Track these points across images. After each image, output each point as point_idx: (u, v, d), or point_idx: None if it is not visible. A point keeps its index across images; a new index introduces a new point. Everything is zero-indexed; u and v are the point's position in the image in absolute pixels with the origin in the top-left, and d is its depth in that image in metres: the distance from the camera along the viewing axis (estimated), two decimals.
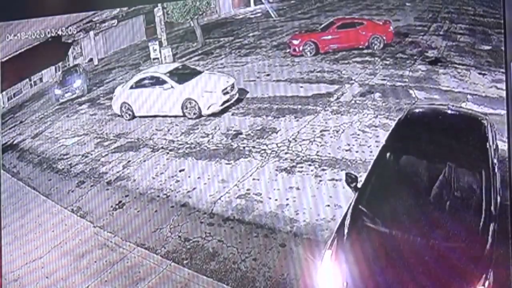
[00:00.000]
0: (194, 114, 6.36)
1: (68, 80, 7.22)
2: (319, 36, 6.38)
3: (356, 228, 3.97)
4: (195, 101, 6.35)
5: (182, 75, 6.57)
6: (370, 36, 6.10)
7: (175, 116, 6.48)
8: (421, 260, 3.70)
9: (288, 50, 6.51)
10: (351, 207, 4.15)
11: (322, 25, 6.41)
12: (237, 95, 6.35)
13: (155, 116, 6.63)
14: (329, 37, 6.33)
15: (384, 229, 3.91)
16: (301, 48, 6.39)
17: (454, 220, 3.85)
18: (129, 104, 6.74)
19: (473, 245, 3.67)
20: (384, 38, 6.05)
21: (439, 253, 3.70)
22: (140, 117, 6.72)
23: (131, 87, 6.74)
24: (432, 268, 3.66)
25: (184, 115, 6.42)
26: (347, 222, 4.05)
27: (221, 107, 6.30)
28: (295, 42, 6.42)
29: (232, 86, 6.33)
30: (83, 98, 7.22)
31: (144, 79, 6.68)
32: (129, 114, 6.75)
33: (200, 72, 6.60)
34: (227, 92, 6.30)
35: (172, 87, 6.47)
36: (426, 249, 3.74)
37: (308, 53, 6.41)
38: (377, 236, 3.89)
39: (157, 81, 6.57)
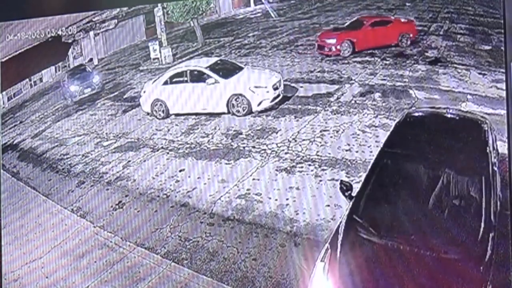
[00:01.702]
0: (243, 110, 6.08)
1: (83, 77, 7.11)
2: (355, 34, 6.25)
3: (351, 239, 3.89)
4: (245, 97, 6.09)
5: (225, 70, 6.33)
6: (399, 34, 6.06)
7: (219, 114, 6.25)
8: (418, 272, 3.63)
9: (318, 51, 6.36)
10: (345, 217, 4.08)
11: (347, 24, 6.30)
12: (283, 92, 6.12)
13: (194, 114, 6.41)
14: (365, 35, 6.22)
15: (380, 240, 3.83)
16: (338, 47, 6.25)
17: (452, 230, 3.80)
18: (163, 101, 6.48)
19: (471, 256, 3.60)
20: (411, 35, 6.02)
21: (437, 265, 3.64)
22: (176, 115, 6.50)
23: (165, 83, 6.48)
24: (430, 280, 3.61)
25: (229, 112, 6.16)
26: (341, 233, 3.97)
27: (272, 103, 6.08)
28: (331, 41, 6.26)
29: (280, 82, 6.11)
30: (84, 99, 7.16)
31: (180, 74, 6.40)
32: (163, 112, 6.51)
33: (241, 67, 6.35)
34: (277, 88, 6.07)
35: (216, 81, 6.20)
36: (423, 261, 3.67)
37: (346, 52, 6.26)
38: (373, 248, 3.81)
39: (197, 76, 6.30)
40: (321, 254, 4.03)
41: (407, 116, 4.68)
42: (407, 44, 6.00)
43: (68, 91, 7.11)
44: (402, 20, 6.07)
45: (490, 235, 3.66)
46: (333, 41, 6.27)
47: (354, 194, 4.24)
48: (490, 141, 4.18)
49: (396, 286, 3.65)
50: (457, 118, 4.61)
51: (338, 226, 4.09)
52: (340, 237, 3.94)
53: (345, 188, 4.32)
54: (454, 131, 4.31)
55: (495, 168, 4.02)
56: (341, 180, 4.60)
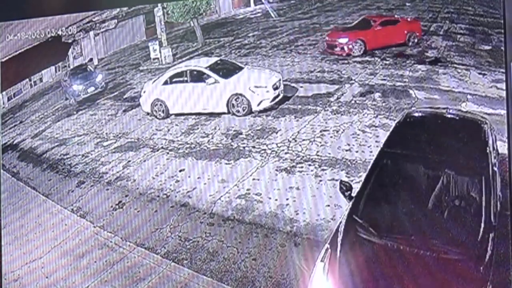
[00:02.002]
0: (243, 110, 6.07)
1: (87, 76, 7.09)
2: (366, 34, 6.19)
3: (350, 239, 3.89)
4: (245, 97, 6.08)
5: (225, 70, 6.33)
6: (407, 33, 6.04)
7: (219, 113, 6.24)
8: (418, 272, 3.63)
9: (328, 50, 6.34)
10: (344, 217, 4.08)
11: (354, 23, 6.25)
12: (283, 92, 6.11)
13: (194, 114, 6.41)
14: (375, 35, 6.17)
15: (380, 240, 3.83)
16: (350, 47, 6.20)
17: (452, 230, 3.80)
18: (163, 101, 6.48)
19: (471, 256, 3.60)
20: (417, 34, 6.01)
21: (437, 265, 3.64)
22: (176, 115, 6.50)
23: (165, 83, 6.48)
24: (430, 280, 3.61)
25: (229, 112, 6.15)
26: (340, 233, 3.97)
27: (272, 103, 6.07)
28: (343, 40, 6.21)
29: (280, 82, 6.09)
30: (84, 97, 7.14)
31: (180, 74, 6.40)
32: (163, 112, 6.51)
33: (241, 67, 6.35)
34: (277, 88, 6.06)
35: (216, 81, 6.20)
36: (423, 261, 3.67)
37: (358, 51, 6.20)
38: (373, 248, 3.81)
39: (197, 76, 6.30)
40: (321, 254, 4.03)
41: (407, 116, 4.68)
42: (414, 43, 5.98)
43: (71, 91, 7.10)
44: (408, 19, 6.06)
45: (490, 235, 3.65)
46: (345, 40, 6.22)
47: (353, 194, 4.24)
48: (490, 142, 4.18)
49: (396, 286, 3.65)
50: (457, 118, 4.60)
51: (338, 226, 4.09)
52: (340, 237, 3.94)
53: (345, 188, 4.32)
54: (454, 131, 4.30)
55: (495, 169, 4.02)
56: (341, 180, 4.60)
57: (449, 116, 4.57)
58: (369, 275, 3.73)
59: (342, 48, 6.24)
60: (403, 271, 3.67)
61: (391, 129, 4.62)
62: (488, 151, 4.03)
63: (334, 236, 4.05)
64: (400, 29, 6.08)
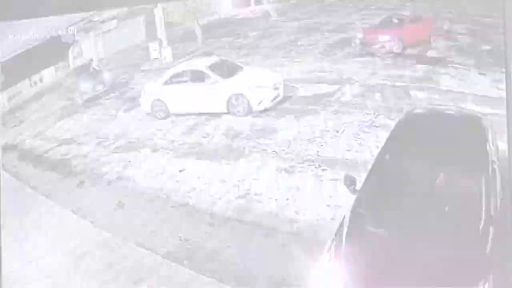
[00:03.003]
0: (243, 110, 6.07)
1: (93, 74, 7.06)
2: (402, 31, 6.12)
3: (355, 231, 3.96)
4: (245, 97, 6.09)
5: (225, 70, 6.33)
6: (430, 30, 6.01)
7: (219, 113, 6.24)
8: (420, 264, 3.68)
9: (363, 47, 6.25)
10: (350, 209, 4.14)
11: (380, 21, 6.19)
12: (283, 92, 6.11)
13: (195, 114, 6.40)
14: (408, 32, 6.10)
15: (383, 233, 3.90)
16: (392, 44, 6.11)
17: (452, 227, 3.83)
18: (163, 101, 6.49)
19: (472, 250, 3.64)
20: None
21: (438, 258, 3.67)
22: (177, 115, 6.49)
23: (165, 83, 6.49)
24: (431, 272, 3.64)
25: (229, 112, 6.15)
26: (345, 225, 4.04)
27: (272, 103, 6.06)
28: (385, 38, 6.13)
29: (280, 82, 6.09)
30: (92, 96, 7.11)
31: (181, 74, 6.42)
32: (163, 111, 6.50)
33: (241, 67, 6.36)
34: (277, 88, 6.07)
35: (216, 81, 6.21)
36: (424, 254, 3.71)
37: (397, 49, 6.08)
38: (376, 240, 3.88)
39: (197, 76, 6.31)
40: (327, 246, 4.11)
41: (408, 114, 4.71)
42: (434, 40, 5.94)
43: (78, 89, 7.07)
44: (429, 17, 6.03)
45: (490, 232, 3.69)
46: (387, 37, 6.14)
47: (358, 188, 4.30)
48: (490, 138, 4.21)
49: (398, 278, 3.67)
50: (457, 115, 4.63)
51: (343, 218, 4.16)
52: (344, 229, 4.02)
53: (349, 181, 4.38)
54: (454, 128, 4.33)
55: (495, 166, 4.04)
56: (346, 174, 4.62)
57: (449, 113, 4.59)
58: (372, 266, 3.77)
59: (383, 46, 6.17)
60: (405, 264, 3.71)
61: (393, 126, 4.65)
62: (488, 148, 4.06)
63: (339, 228, 4.13)
64: (424, 26, 6.05)
